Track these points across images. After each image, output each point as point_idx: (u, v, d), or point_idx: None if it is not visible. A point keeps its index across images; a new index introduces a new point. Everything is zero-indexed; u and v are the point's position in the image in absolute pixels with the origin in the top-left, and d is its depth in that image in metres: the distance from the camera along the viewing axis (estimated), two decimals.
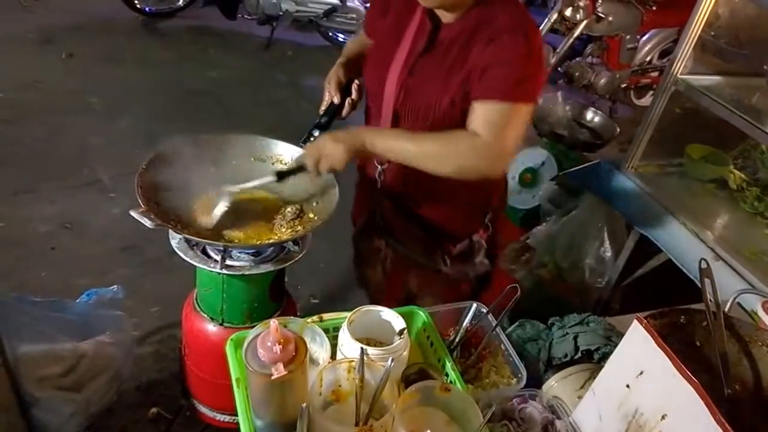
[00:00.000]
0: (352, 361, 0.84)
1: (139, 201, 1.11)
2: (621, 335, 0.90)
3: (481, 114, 1.07)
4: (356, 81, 1.28)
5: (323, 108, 1.26)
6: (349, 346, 0.89)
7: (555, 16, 2.77)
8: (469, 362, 1.04)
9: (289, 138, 1.32)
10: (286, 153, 1.31)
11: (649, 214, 1.70)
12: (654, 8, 3.36)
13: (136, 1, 4.26)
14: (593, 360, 1.07)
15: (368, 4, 1.40)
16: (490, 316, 1.06)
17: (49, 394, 1.40)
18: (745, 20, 1.74)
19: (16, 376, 1.35)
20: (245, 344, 0.80)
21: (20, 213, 2.45)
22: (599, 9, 2.95)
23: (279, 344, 0.75)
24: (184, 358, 1.42)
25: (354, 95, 1.26)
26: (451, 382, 0.95)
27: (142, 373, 1.85)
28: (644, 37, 3.62)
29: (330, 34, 4.37)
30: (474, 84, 1.09)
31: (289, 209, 1.25)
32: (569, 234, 1.95)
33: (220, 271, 1.17)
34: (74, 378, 1.44)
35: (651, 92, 3.90)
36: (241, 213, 1.24)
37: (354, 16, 4.18)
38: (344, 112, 1.26)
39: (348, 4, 4.20)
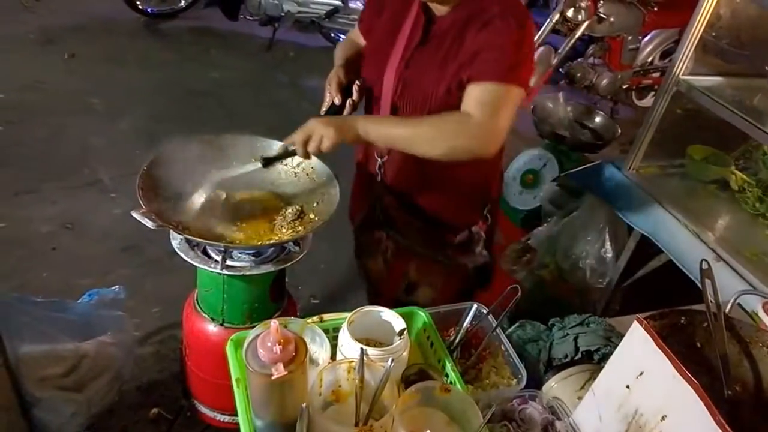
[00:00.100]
0: (352, 361, 0.85)
1: (140, 202, 1.11)
2: (621, 336, 0.90)
3: (474, 95, 1.10)
4: (357, 82, 1.28)
5: (324, 109, 1.27)
6: (349, 347, 0.89)
7: (557, 16, 2.77)
8: (469, 363, 1.04)
9: None
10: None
11: (650, 215, 1.70)
12: (655, 9, 3.36)
13: (138, 2, 4.27)
14: (593, 361, 1.07)
15: None
16: (490, 317, 1.06)
17: (50, 394, 1.40)
18: (746, 21, 1.73)
19: (18, 377, 1.35)
20: (245, 344, 0.80)
21: (21, 213, 2.46)
22: (601, 10, 2.95)
23: (279, 344, 0.75)
24: (185, 358, 1.42)
25: (355, 96, 1.27)
26: (451, 382, 0.95)
27: (143, 373, 1.85)
28: (646, 38, 3.62)
29: (332, 35, 4.38)
30: (467, 69, 1.11)
31: (289, 210, 1.25)
32: (570, 235, 1.95)
33: (220, 272, 1.17)
34: (75, 378, 1.44)
35: (652, 93, 3.90)
36: (241, 213, 1.24)
37: (356, 17, 4.17)
38: (345, 112, 1.27)
39: (350, 5, 4.21)
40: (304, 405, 0.78)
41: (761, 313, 1.13)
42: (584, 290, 1.92)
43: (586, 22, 2.82)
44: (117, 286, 1.67)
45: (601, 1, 2.94)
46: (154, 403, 1.78)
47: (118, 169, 2.75)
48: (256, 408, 0.84)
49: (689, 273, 1.53)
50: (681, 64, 1.64)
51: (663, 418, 0.76)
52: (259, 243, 1.18)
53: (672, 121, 1.76)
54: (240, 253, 1.20)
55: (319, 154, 1.14)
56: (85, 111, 3.24)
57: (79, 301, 1.64)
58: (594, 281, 1.90)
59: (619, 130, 2.41)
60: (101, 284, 1.84)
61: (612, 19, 3.00)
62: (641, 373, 0.80)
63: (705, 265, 0.95)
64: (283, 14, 4.19)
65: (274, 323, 0.76)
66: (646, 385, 0.79)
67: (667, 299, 1.12)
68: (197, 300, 1.33)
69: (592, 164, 1.97)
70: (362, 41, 1.37)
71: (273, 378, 0.74)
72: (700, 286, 0.94)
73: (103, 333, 1.52)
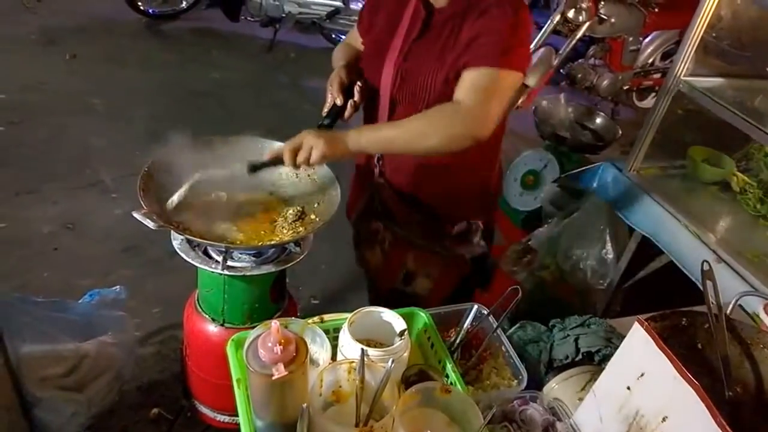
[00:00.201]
0: (353, 362, 0.85)
1: (141, 202, 1.11)
2: (622, 337, 0.90)
3: (467, 80, 1.10)
4: (358, 83, 1.28)
5: (326, 110, 1.27)
6: (349, 347, 0.89)
7: (558, 17, 2.77)
8: (470, 364, 1.04)
9: None
10: None
11: (651, 216, 1.70)
12: (656, 10, 3.36)
13: (139, 3, 4.28)
14: (594, 362, 1.07)
15: None
16: (490, 318, 1.06)
17: (51, 394, 1.40)
18: (747, 22, 1.73)
19: (19, 376, 1.35)
20: (246, 345, 0.80)
21: (23, 213, 2.46)
22: (602, 11, 2.95)
23: (280, 345, 0.75)
24: (186, 358, 1.43)
25: (357, 97, 1.27)
26: (451, 383, 0.95)
27: (144, 373, 1.85)
28: (646, 39, 3.62)
29: (333, 35, 4.38)
30: (463, 55, 1.12)
31: (290, 210, 1.25)
32: (571, 236, 1.95)
33: (221, 272, 1.18)
34: (76, 378, 1.44)
35: (653, 94, 3.90)
36: (242, 214, 1.24)
37: (357, 18, 4.19)
38: (346, 113, 1.27)
39: (351, 6, 4.21)
40: (304, 405, 0.78)
41: (762, 315, 1.13)
42: (585, 291, 1.92)
43: (587, 23, 2.81)
44: (118, 287, 1.67)
45: (602, 2, 2.94)
46: (154, 404, 1.79)
47: (119, 170, 2.75)
48: (257, 408, 0.84)
49: (690, 274, 1.53)
50: (682, 65, 1.64)
51: (664, 420, 0.76)
52: (259, 243, 1.18)
53: (673, 122, 1.76)
54: (241, 253, 1.20)
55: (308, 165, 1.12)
56: (86, 111, 3.25)
57: (80, 301, 1.65)
58: (595, 282, 1.90)
59: (620, 132, 2.40)
60: (102, 284, 1.84)
61: (613, 20, 3.00)
62: (642, 375, 0.80)
63: (706, 267, 0.95)
64: (284, 15, 4.19)
65: (275, 323, 0.76)
66: (647, 387, 0.79)
67: (667, 300, 1.12)
68: (198, 300, 1.33)
69: (592, 165, 1.97)
70: (360, 44, 1.38)
71: (274, 378, 0.74)
72: (701, 287, 0.93)
73: (104, 333, 1.52)
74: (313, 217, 1.24)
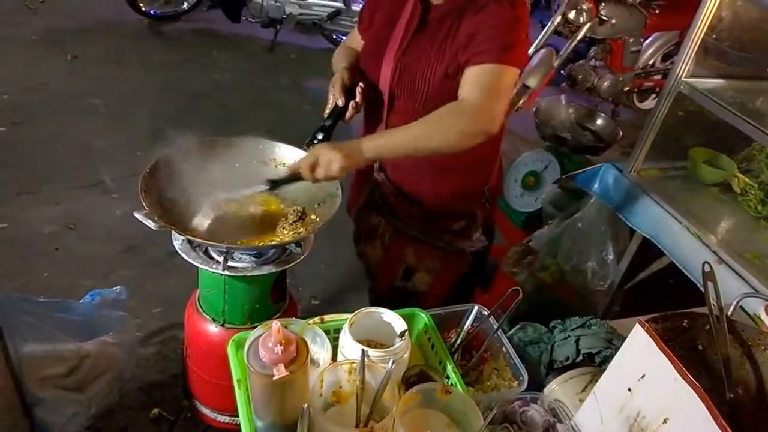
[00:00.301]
0: (353, 362, 0.85)
1: (143, 203, 1.11)
2: (623, 338, 0.90)
3: (471, 78, 1.12)
4: (360, 84, 1.29)
5: (327, 111, 1.27)
6: (350, 348, 0.89)
7: (558, 18, 2.77)
8: (470, 365, 1.04)
9: (291, 140, 1.33)
10: (288, 156, 1.31)
11: (651, 217, 1.70)
12: (657, 11, 3.36)
13: (141, 4, 4.29)
14: (595, 363, 1.07)
15: None
16: (491, 319, 1.06)
17: (52, 394, 1.40)
18: (748, 23, 1.73)
19: (20, 376, 1.35)
20: (247, 345, 0.80)
21: (24, 214, 2.47)
22: (602, 12, 2.95)
23: (280, 345, 0.75)
24: (186, 358, 1.43)
25: (358, 98, 1.27)
26: (452, 384, 0.95)
27: (144, 373, 1.85)
28: (647, 41, 3.62)
29: (334, 36, 4.39)
30: (461, 54, 1.13)
31: (291, 211, 1.25)
32: (571, 237, 1.95)
33: (222, 273, 1.18)
34: (77, 378, 1.45)
35: (653, 95, 3.90)
36: (243, 214, 1.24)
37: (357, 19, 4.19)
38: (348, 115, 1.27)
39: (353, 7, 4.22)
40: (305, 406, 0.78)
41: (763, 316, 1.13)
42: (586, 292, 1.92)
43: (588, 24, 2.82)
44: (119, 287, 1.68)
45: (603, 4, 2.94)
46: (155, 404, 1.79)
47: (120, 170, 2.76)
48: (257, 409, 0.84)
49: (691, 275, 1.53)
50: (683, 66, 1.64)
51: (665, 421, 0.76)
52: (260, 244, 1.18)
53: (674, 124, 1.76)
54: (241, 254, 1.20)
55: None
56: (87, 112, 3.26)
57: (81, 301, 1.65)
58: (595, 283, 1.90)
59: (621, 133, 2.40)
60: (103, 284, 1.85)
61: (614, 21, 3.00)
62: (643, 376, 0.79)
63: (707, 268, 0.95)
64: (285, 16, 4.20)
65: (276, 324, 0.76)
66: (647, 388, 0.79)
67: (668, 302, 1.12)
68: (199, 300, 1.34)
69: (593, 166, 1.97)
70: (360, 47, 1.38)
71: (274, 378, 0.74)
72: (702, 288, 0.93)
73: (105, 333, 1.52)
74: (313, 217, 1.24)
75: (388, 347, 0.90)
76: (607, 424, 0.85)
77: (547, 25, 2.75)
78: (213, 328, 1.29)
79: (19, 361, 1.35)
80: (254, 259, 1.21)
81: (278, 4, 4.15)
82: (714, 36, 1.66)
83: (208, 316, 1.30)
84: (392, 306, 0.99)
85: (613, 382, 0.85)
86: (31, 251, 2.29)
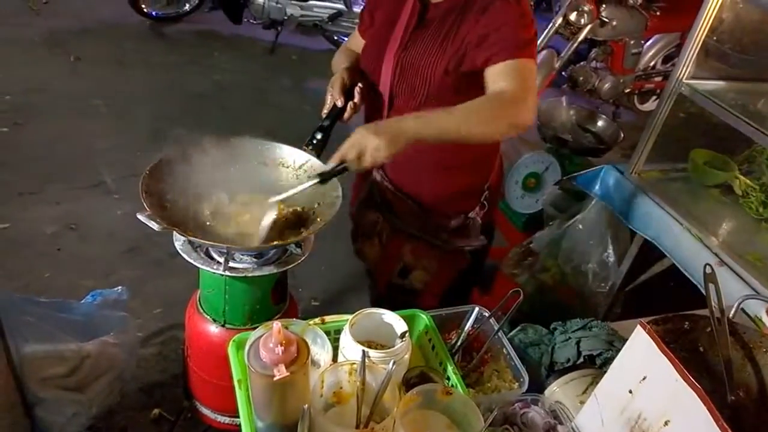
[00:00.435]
0: (354, 363, 0.85)
1: (144, 204, 1.11)
2: (624, 340, 0.90)
3: (498, 74, 1.12)
4: (359, 85, 1.29)
5: (326, 111, 1.27)
6: (350, 349, 0.89)
7: (559, 20, 2.77)
8: (471, 366, 1.04)
9: (291, 141, 1.33)
10: (289, 156, 1.31)
11: (652, 219, 1.69)
12: (658, 13, 3.36)
13: (143, 6, 4.30)
14: (596, 365, 1.07)
15: None
16: (492, 320, 1.06)
17: (53, 394, 1.40)
18: (749, 25, 1.73)
19: (21, 376, 1.36)
20: (247, 345, 0.80)
21: (26, 214, 2.47)
22: (603, 13, 2.95)
23: (281, 346, 0.75)
24: (187, 359, 1.43)
25: (356, 99, 1.27)
26: (452, 385, 0.95)
27: (145, 374, 1.85)
28: (648, 42, 3.62)
29: (335, 38, 4.40)
30: (472, 53, 1.14)
31: (291, 211, 1.25)
32: (572, 239, 1.95)
33: (223, 273, 1.18)
34: (78, 378, 1.45)
35: (654, 97, 3.89)
36: (244, 215, 1.24)
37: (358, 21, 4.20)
38: (346, 115, 1.27)
39: (354, 8, 4.22)
40: (305, 406, 0.78)
41: (765, 318, 1.13)
42: (586, 294, 1.92)
43: (589, 26, 2.82)
44: (120, 287, 1.68)
45: (604, 5, 2.94)
46: (155, 404, 1.79)
47: (121, 171, 2.77)
48: (258, 409, 0.84)
49: (692, 277, 1.53)
50: (684, 68, 1.64)
51: (666, 423, 0.76)
52: (261, 244, 1.18)
53: (675, 125, 1.75)
54: (242, 254, 1.20)
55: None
56: (89, 113, 3.26)
57: (82, 301, 1.65)
58: (596, 285, 1.90)
59: (622, 134, 2.40)
60: (104, 285, 1.85)
61: (614, 23, 3.00)
62: (644, 378, 0.79)
63: (708, 270, 0.95)
64: (286, 18, 4.21)
65: (277, 324, 0.76)
66: (648, 390, 0.79)
67: (669, 304, 1.12)
68: (199, 301, 1.34)
69: (594, 168, 1.97)
70: (360, 48, 1.38)
71: (275, 379, 0.74)
72: (703, 290, 0.93)
73: (106, 333, 1.53)
74: (314, 217, 1.24)
75: (389, 348, 0.90)
76: (607, 426, 0.85)
77: (548, 27, 2.75)
78: (214, 329, 1.29)
79: (20, 361, 1.35)
80: (255, 259, 1.21)
81: (279, 5, 4.16)
82: (715, 38, 1.66)
83: (208, 317, 1.30)
84: (391, 303, 0.98)
85: (614, 384, 0.85)
86: (32, 251, 2.29)
